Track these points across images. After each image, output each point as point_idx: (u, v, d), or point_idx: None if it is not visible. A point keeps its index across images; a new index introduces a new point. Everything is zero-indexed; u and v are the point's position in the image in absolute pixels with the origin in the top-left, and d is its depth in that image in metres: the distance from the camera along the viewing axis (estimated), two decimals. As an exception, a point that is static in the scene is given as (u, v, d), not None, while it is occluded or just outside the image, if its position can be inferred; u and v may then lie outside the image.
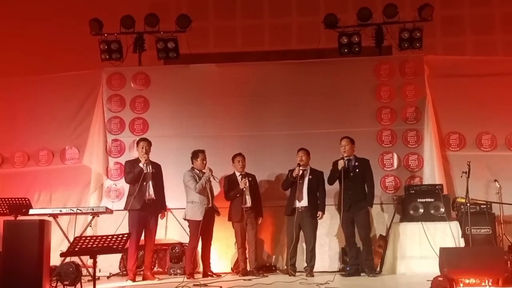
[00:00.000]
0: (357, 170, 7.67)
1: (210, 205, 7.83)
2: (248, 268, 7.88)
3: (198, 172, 7.87)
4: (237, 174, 8.08)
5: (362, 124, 8.85)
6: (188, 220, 7.82)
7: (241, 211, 7.89)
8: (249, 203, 7.93)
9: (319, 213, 7.75)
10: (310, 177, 7.86)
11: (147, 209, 7.60)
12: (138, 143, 7.90)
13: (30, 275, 5.59)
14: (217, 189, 8.40)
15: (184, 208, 7.91)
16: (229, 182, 8.07)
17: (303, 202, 7.76)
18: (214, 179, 7.86)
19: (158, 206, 7.75)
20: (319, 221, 7.84)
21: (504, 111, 8.80)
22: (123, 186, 8.80)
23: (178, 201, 8.28)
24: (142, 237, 7.70)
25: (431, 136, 8.72)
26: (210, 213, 7.84)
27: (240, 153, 8.14)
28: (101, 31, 9.36)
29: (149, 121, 9.23)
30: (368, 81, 9.09)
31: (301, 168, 7.79)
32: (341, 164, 7.59)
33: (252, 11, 10.61)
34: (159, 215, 7.82)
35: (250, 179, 8.03)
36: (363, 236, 7.57)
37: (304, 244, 7.95)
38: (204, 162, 7.89)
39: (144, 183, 7.62)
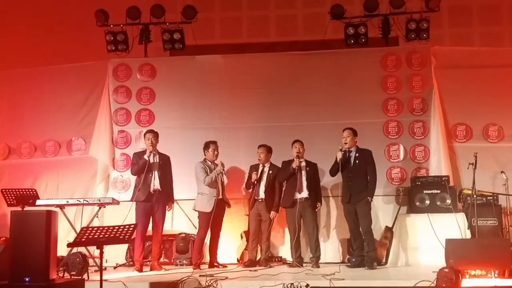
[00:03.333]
0: (357, 162, 7.64)
1: (221, 196, 7.84)
2: (257, 258, 7.91)
3: (210, 163, 7.90)
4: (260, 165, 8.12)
5: (368, 115, 8.82)
6: (198, 211, 7.85)
7: (253, 201, 7.94)
8: (261, 195, 7.94)
9: (318, 203, 7.85)
10: (308, 168, 7.88)
11: (152, 200, 7.63)
12: (145, 134, 7.91)
13: (37, 266, 5.60)
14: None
15: (192, 199, 7.95)
16: (251, 170, 8.11)
17: (303, 194, 7.77)
18: (224, 175, 7.86)
19: (164, 198, 7.75)
20: (323, 212, 7.86)
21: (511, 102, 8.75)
22: (129, 177, 8.84)
23: (184, 192, 8.30)
24: (150, 228, 7.74)
25: (438, 127, 8.69)
26: (220, 205, 7.86)
27: (263, 145, 8.14)
28: (107, 22, 9.37)
29: (155, 113, 9.24)
30: (375, 72, 9.04)
31: (300, 159, 7.80)
32: (338, 156, 7.56)
33: (258, 2, 10.58)
34: (166, 206, 7.83)
35: (271, 172, 8.03)
36: (363, 227, 7.53)
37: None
38: (215, 153, 7.91)
39: (150, 175, 7.63)
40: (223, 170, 7.80)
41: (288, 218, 7.91)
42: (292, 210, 7.78)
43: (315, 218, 7.84)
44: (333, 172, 7.78)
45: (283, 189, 8.01)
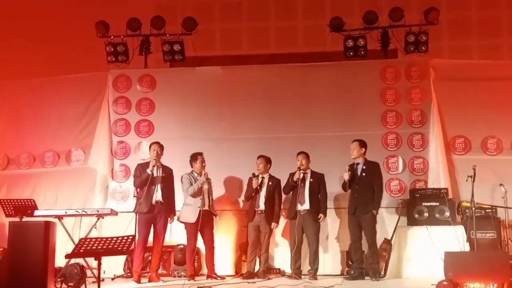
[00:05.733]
0: (364, 174, 7.66)
1: (206, 207, 7.83)
2: (256, 270, 7.89)
3: (196, 175, 7.90)
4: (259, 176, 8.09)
5: (367, 128, 8.81)
6: (183, 223, 7.85)
7: (253, 213, 7.92)
8: (261, 206, 7.92)
9: (321, 215, 7.78)
10: (311, 180, 7.87)
11: (154, 211, 7.64)
12: (150, 146, 7.93)
13: (35, 276, 5.61)
14: (224, 193, 8.52)
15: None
16: (249, 182, 8.07)
17: (305, 205, 7.78)
18: (208, 185, 7.86)
19: (166, 210, 7.76)
20: (322, 224, 7.85)
21: (510, 116, 8.73)
22: (128, 188, 8.84)
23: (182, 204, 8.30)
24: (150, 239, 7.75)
25: (437, 140, 8.70)
26: (207, 216, 7.85)
27: (261, 155, 8.12)
28: (108, 33, 9.39)
29: (155, 123, 9.25)
30: (374, 84, 9.06)
31: (301, 171, 7.80)
32: (345, 177, 7.63)
33: (258, 14, 10.62)
34: (168, 219, 7.82)
35: (270, 183, 8.02)
36: (368, 239, 7.55)
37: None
38: (203, 164, 7.90)
39: (153, 187, 7.65)
40: (206, 180, 7.78)
41: (291, 229, 7.94)
42: (294, 222, 7.79)
43: (316, 231, 7.80)
44: (344, 188, 7.82)
45: (282, 200, 8.01)
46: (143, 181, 7.63)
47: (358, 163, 7.73)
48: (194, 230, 7.69)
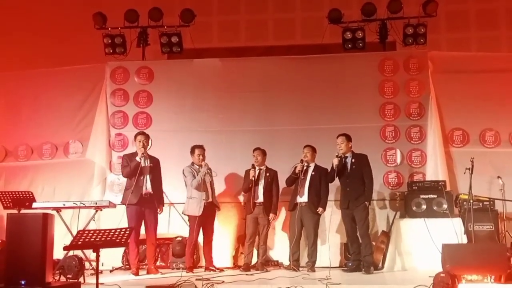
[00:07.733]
0: (354, 167, 7.66)
1: (210, 200, 7.83)
2: (254, 262, 7.91)
3: (197, 167, 7.88)
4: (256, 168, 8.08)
5: (365, 120, 8.84)
6: (188, 216, 7.85)
7: (252, 205, 7.90)
8: (260, 198, 7.93)
9: (319, 208, 7.76)
10: (313, 173, 7.86)
11: (144, 203, 7.60)
12: (135, 137, 7.86)
13: (33, 269, 5.60)
14: (222, 185, 8.49)
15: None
16: (246, 175, 8.07)
17: (304, 198, 7.78)
18: (209, 175, 7.85)
19: (156, 201, 7.72)
20: (322, 216, 7.85)
21: (508, 108, 8.77)
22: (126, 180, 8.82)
23: (181, 196, 8.29)
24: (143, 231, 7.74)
25: (435, 132, 8.71)
26: (210, 208, 7.85)
27: (257, 148, 8.11)
28: (105, 25, 9.38)
29: (153, 116, 9.23)
30: (372, 77, 9.06)
31: (304, 164, 7.80)
32: (334, 162, 7.60)
33: (256, 6, 10.60)
34: (158, 210, 7.80)
35: (267, 174, 8.01)
36: (361, 232, 7.56)
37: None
38: (200, 157, 7.86)
39: (141, 177, 7.60)
40: (208, 170, 7.79)
41: (291, 221, 7.96)
42: (294, 214, 7.81)
43: (315, 223, 7.78)
44: (329, 179, 7.80)
45: (280, 191, 8.02)
46: (133, 170, 7.57)
47: (346, 157, 7.72)
48: (198, 223, 7.68)
